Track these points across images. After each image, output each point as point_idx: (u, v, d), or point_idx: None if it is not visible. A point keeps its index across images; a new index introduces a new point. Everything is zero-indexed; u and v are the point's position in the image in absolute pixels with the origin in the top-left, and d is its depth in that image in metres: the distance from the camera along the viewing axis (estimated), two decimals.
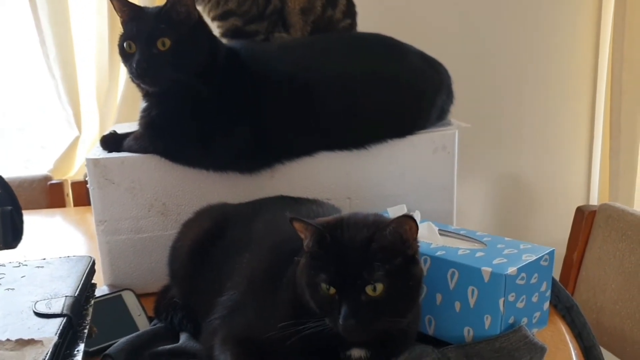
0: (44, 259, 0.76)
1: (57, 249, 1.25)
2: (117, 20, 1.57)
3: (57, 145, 1.76)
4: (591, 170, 1.84)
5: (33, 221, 1.16)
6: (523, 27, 1.81)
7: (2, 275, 0.70)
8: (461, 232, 0.85)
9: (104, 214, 0.95)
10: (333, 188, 1.01)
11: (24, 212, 1.15)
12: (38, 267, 0.73)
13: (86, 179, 1.59)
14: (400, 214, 0.85)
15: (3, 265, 0.74)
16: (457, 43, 1.80)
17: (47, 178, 1.59)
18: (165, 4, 0.86)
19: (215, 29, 1.06)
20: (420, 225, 0.83)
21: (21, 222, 1.16)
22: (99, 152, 0.96)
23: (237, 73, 0.93)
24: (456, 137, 1.04)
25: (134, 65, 0.85)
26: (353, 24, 1.14)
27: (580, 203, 1.86)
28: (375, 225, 0.61)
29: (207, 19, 1.06)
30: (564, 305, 0.89)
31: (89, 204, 1.58)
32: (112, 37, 1.55)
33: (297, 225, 0.62)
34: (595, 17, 1.79)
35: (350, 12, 1.13)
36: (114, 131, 1.05)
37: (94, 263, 0.74)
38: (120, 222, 0.96)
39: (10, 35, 1.70)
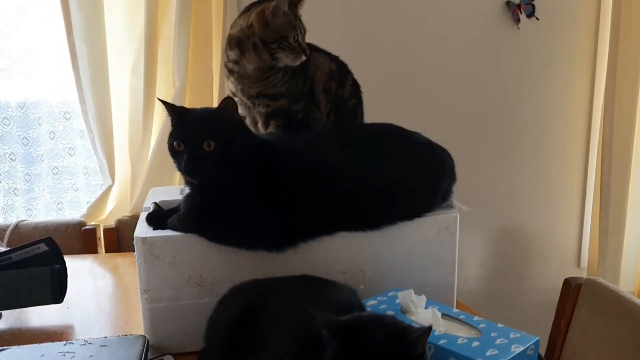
0: (105, 337, 0.89)
1: (96, 300, 1.37)
2: (151, 79, 1.72)
3: (89, 189, 1.90)
4: (583, 226, 1.97)
5: (70, 265, 1.27)
6: (520, 92, 1.95)
7: (73, 355, 0.83)
8: (461, 317, 0.98)
9: (148, 284, 1.08)
10: (348, 262, 1.13)
11: None
12: (102, 345, 0.86)
13: (117, 225, 1.72)
14: (409, 296, 1.00)
15: (72, 343, 0.87)
16: (458, 99, 1.94)
17: (81, 224, 1.72)
18: (213, 111, 1.00)
19: (254, 103, 1.20)
20: (425, 312, 0.98)
21: (66, 278, 1.30)
22: (145, 230, 1.09)
23: (269, 165, 1.06)
24: (457, 220, 1.17)
25: (183, 164, 0.99)
26: (359, 102, 1.29)
27: (572, 257, 2.00)
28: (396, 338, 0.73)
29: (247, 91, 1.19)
30: None
31: (119, 250, 1.73)
32: (147, 95, 1.70)
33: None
34: (589, 83, 1.93)
35: (355, 92, 1.28)
36: (156, 205, 1.18)
37: (148, 342, 0.87)
38: (162, 291, 1.08)
39: (51, 88, 1.86)
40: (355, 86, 1.28)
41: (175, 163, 1.03)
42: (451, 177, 1.22)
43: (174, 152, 1.02)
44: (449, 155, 1.23)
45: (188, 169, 0.99)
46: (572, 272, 2.05)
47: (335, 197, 1.09)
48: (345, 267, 1.13)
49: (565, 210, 2.00)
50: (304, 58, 1.15)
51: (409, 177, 1.14)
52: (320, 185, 1.08)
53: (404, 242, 1.15)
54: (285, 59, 1.14)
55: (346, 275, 1.12)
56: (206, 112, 1.03)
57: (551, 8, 1.92)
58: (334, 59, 1.26)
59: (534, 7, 1.92)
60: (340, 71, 1.25)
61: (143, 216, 1.14)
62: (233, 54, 1.18)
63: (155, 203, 1.21)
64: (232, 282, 1.04)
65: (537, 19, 1.92)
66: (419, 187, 1.15)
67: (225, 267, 1.08)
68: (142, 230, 1.10)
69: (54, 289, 1.25)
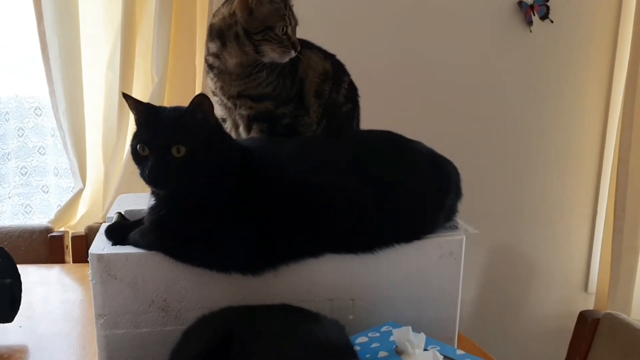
0: None
1: (57, 316, 1.24)
2: (128, 74, 1.59)
3: (60, 192, 1.76)
4: (592, 247, 1.85)
5: (33, 275, 1.14)
6: (531, 101, 1.83)
7: None
8: None
9: (104, 308, 0.94)
10: (336, 289, 1.00)
11: (23, 265, 1.14)
12: None
13: (85, 233, 1.58)
14: (406, 335, 0.86)
15: None
16: (463, 107, 1.82)
17: (47, 230, 1.59)
18: (184, 111, 0.87)
19: (235, 104, 1.07)
20: (424, 354, 0.84)
21: (19, 293, 1.16)
22: (103, 245, 0.95)
23: (248, 175, 0.93)
24: (463, 243, 1.04)
25: (147, 171, 0.85)
26: (355, 108, 1.16)
27: (580, 280, 1.87)
28: None
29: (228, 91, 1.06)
30: None
31: (88, 260, 1.58)
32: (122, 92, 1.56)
33: None
34: (605, 93, 1.81)
35: (352, 97, 1.15)
36: (120, 216, 1.04)
37: None
38: (120, 317, 0.94)
39: (21, 82, 1.72)
40: (352, 90, 1.15)
41: (138, 169, 0.89)
42: (457, 193, 1.09)
43: (137, 157, 0.88)
44: (454, 168, 1.10)
45: (153, 178, 0.86)
46: (579, 296, 1.93)
47: (323, 214, 0.95)
48: (333, 294, 1.00)
49: (574, 229, 1.88)
50: (293, 54, 1.02)
51: (409, 192, 1.00)
52: (307, 200, 0.94)
53: (401, 268, 1.01)
54: (272, 54, 1.00)
55: (333, 304, 0.99)
56: (177, 112, 0.89)
57: (567, 10, 1.80)
58: (329, 57, 1.13)
59: (548, 8, 1.80)
60: (335, 72, 1.12)
61: (103, 228, 1.00)
62: (214, 46, 1.05)
63: (119, 213, 1.07)
64: (201, 309, 0.93)
65: (552, 21, 1.81)
66: (420, 204, 1.02)
67: (193, 290, 0.95)
68: (99, 245, 0.96)
69: (3, 307, 1.12)
